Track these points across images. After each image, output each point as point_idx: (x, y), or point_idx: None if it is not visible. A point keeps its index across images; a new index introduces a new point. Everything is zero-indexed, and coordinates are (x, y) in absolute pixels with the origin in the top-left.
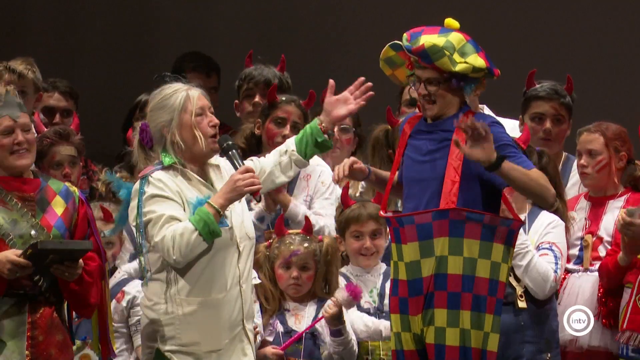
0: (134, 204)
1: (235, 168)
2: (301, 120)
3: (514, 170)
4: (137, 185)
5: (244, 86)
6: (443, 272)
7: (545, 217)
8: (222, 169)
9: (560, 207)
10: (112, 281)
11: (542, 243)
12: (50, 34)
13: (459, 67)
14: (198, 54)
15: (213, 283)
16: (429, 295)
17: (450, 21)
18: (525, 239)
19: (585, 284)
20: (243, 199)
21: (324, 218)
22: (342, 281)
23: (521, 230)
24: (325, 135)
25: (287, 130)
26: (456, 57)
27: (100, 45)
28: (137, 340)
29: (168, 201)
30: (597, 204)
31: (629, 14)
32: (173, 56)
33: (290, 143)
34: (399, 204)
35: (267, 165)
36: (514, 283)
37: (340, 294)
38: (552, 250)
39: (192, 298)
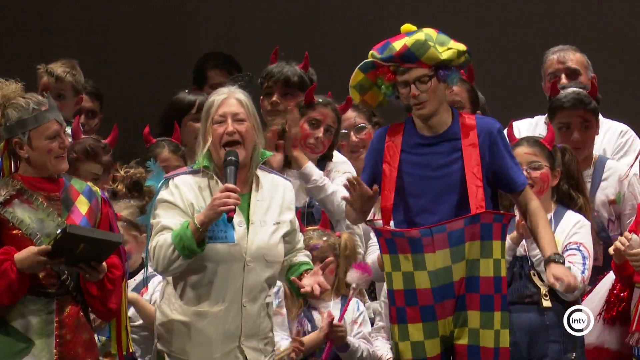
0: (152, 203)
1: None
2: (335, 124)
3: (553, 237)
4: (160, 185)
5: (265, 84)
6: (475, 275)
7: (572, 217)
8: (269, 182)
9: (583, 205)
10: (139, 276)
11: (570, 243)
12: (79, 33)
13: (445, 55)
14: (220, 53)
15: (210, 295)
16: (461, 298)
17: (408, 26)
18: None
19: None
20: (277, 217)
21: (334, 186)
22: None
23: None
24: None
25: (320, 132)
26: (438, 47)
27: (128, 46)
28: None
29: (174, 209)
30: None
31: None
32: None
33: (302, 258)
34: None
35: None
36: (538, 282)
37: (352, 275)
38: (580, 250)
39: (187, 307)
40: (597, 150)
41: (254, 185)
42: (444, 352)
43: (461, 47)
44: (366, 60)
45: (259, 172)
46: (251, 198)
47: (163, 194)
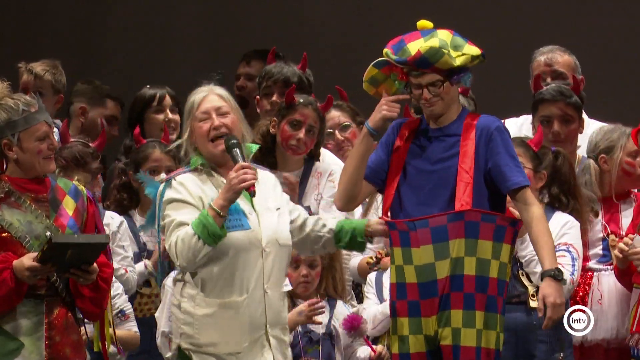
0: (156, 207)
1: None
2: (317, 124)
3: (553, 247)
4: (160, 187)
5: (263, 83)
6: (459, 274)
7: (561, 218)
8: (264, 175)
9: (577, 207)
10: None
11: (559, 244)
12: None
13: (459, 61)
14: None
15: (233, 285)
16: (445, 296)
17: (424, 22)
18: None
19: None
20: (284, 205)
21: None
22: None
23: None
24: (366, 239)
25: (301, 133)
26: (452, 52)
27: (118, 45)
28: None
29: (185, 206)
30: (611, 206)
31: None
32: (192, 55)
33: (332, 223)
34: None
35: (306, 220)
36: (526, 282)
37: (343, 335)
38: (569, 251)
39: (212, 299)
40: (581, 151)
41: None
42: (430, 352)
43: (475, 51)
44: (380, 59)
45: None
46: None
47: (169, 194)
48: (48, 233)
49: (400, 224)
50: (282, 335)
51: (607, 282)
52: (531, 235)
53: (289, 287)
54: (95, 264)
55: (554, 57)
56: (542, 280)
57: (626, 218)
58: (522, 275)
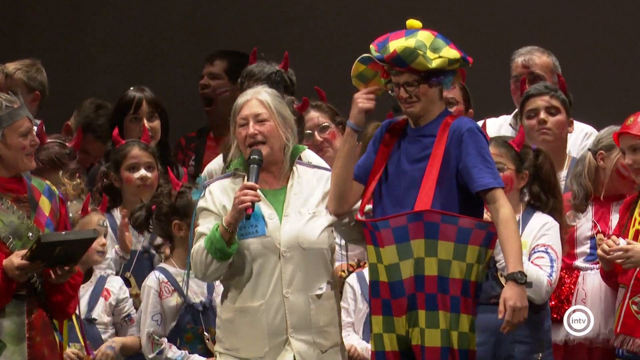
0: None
1: None
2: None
3: (519, 250)
4: (200, 194)
5: (245, 83)
6: (421, 274)
7: (540, 219)
8: (310, 175)
9: (555, 206)
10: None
11: (538, 245)
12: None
13: (435, 63)
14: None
15: (251, 291)
16: (411, 296)
17: (412, 22)
18: None
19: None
20: (314, 208)
21: None
22: None
23: None
24: None
25: None
26: (429, 54)
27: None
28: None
29: (210, 215)
30: (602, 205)
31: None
32: (176, 55)
33: None
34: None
35: None
36: (504, 283)
37: None
38: (547, 253)
39: (231, 305)
40: (571, 152)
41: (290, 180)
42: (403, 352)
43: (454, 54)
44: (365, 55)
45: (300, 167)
46: (287, 192)
47: (200, 202)
48: (30, 234)
49: (367, 224)
50: (317, 339)
51: (591, 281)
52: (499, 237)
53: (324, 290)
54: (75, 267)
55: (532, 58)
56: (505, 283)
57: (615, 219)
58: (501, 276)
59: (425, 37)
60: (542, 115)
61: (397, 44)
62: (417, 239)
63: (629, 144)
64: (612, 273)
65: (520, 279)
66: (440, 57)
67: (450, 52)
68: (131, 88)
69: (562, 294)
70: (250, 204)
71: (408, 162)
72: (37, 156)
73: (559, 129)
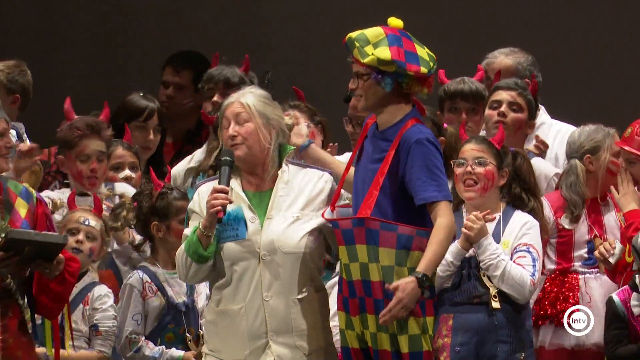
0: None
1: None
2: None
3: (434, 257)
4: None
5: (205, 87)
6: (367, 279)
7: (520, 218)
8: (301, 176)
9: (535, 207)
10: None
11: (519, 245)
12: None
13: (366, 60)
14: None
15: (232, 294)
16: (362, 299)
17: (392, 20)
18: (495, 249)
19: (604, 284)
20: (298, 212)
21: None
22: None
23: (491, 239)
24: None
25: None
26: (368, 49)
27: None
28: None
29: (197, 218)
30: (593, 208)
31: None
32: (152, 52)
33: None
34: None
35: None
36: (488, 283)
37: None
38: (529, 252)
39: (215, 307)
40: (549, 155)
41: (277, 182)
42: (364, 349)
43: (386, 55)
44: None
45: (291, 168)
46: (272, 194)
47: (191, 204)
48: (3, 235)
49: (332, 222)
50: (298, 342)
51: (594, 285)
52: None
53: (305, 294)
54: (61, 255)
55: (492, 62)
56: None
57: (607, 219)
58: (484, 276)
59: (375, 32)
60: (504, 108)
61: (350, 34)
62: (360, 244)
63: (625, 157)
64: (617, 270)
65: (422, 282)
66: (372, 54)
67: (383, 52)
68: (140, 94)
69: (561, 295)
70: (220, 207)
71: (368, 161)
72: (72, 125)
73: (515, 125)
